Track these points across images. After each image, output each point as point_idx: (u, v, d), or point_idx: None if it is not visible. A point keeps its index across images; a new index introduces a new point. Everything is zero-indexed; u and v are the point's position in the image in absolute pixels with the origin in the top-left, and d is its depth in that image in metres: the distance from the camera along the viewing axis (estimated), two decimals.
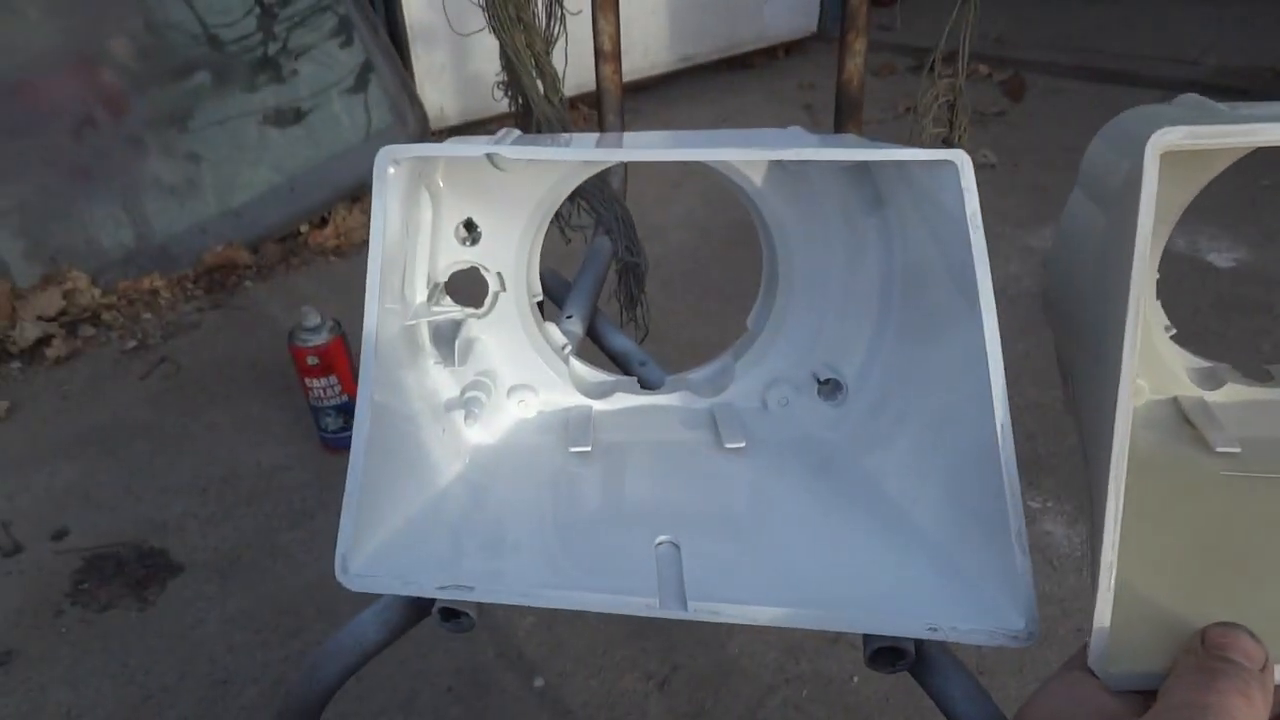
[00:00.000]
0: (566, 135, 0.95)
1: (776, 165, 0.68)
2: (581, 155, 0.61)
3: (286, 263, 2.69)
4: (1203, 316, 2.20)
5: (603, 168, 0.71)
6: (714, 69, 4.29)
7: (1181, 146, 0.40)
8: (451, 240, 0.70)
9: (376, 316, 0.58)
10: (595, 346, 0.95)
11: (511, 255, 0.71)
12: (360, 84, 2.92)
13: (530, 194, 0.69)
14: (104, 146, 2.51)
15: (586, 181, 1.06)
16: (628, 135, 0.82)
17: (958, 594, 0.53)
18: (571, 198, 1.07)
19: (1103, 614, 0.43)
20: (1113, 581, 0.43)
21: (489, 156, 0.65)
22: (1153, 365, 0.65)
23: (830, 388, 0.71)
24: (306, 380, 1.82)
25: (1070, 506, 1.62)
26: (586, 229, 1.09)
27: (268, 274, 2.64)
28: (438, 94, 3.29)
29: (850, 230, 0.68)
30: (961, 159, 0.54)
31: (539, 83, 1.04)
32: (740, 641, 1.38)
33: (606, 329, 0.92)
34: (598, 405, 0.74)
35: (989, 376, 0.52)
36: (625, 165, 1.11)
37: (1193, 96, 0.61)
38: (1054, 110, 3.62)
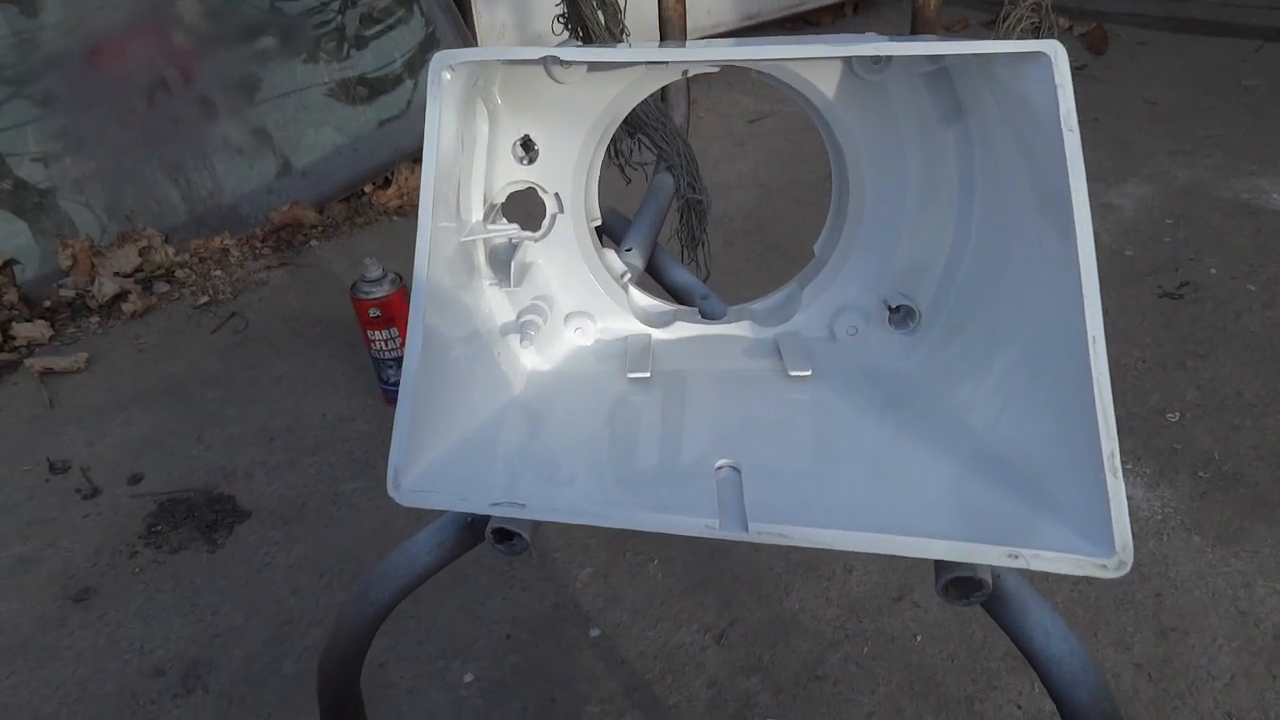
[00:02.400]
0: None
1: (850, 76, 0.64)
2: (640, 56, 0.58)
3: (351, 222, 2.72)
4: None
5: (664, 82, 0.68)
6: (779, 26, 4.18)
7: None
8: (509, 158, 0.68)
9: (430, 230, 0.56)
10: (655, 283, 0.92)
11: (569, 175, 0.69)
12: (424, 47, 2.92)
13: (589, 109, 0.67)
14: (175, 109, 2.55)
15: (647, 115, 1.03)
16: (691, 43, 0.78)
17: (1042, 520, 0.49)
18: (632, 133, 1.04)
19: None
20: None
21: (547, 69, 0.63)
22: None
23: (902, 315, 0.67)
24: (369, 333, 1.83)
25: (1150, 469, 1.54)
26: (648, 166, 1.06)
27: (333, 233, 2.67)
28: None
29: (928, 144, 0.64)
30: (1055, 49, 0.49)
31: (599, 13, 1.01)
32: (800, 597, 1.35)
33: (667, 263, 0.89)
34: (657, 334, 0.72)
35: (1081, 288, 0.48)
36: (688, 101, 1.07)
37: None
38: (1138, 63, 3.44)
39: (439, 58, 0.55)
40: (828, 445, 0.60)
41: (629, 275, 0.74)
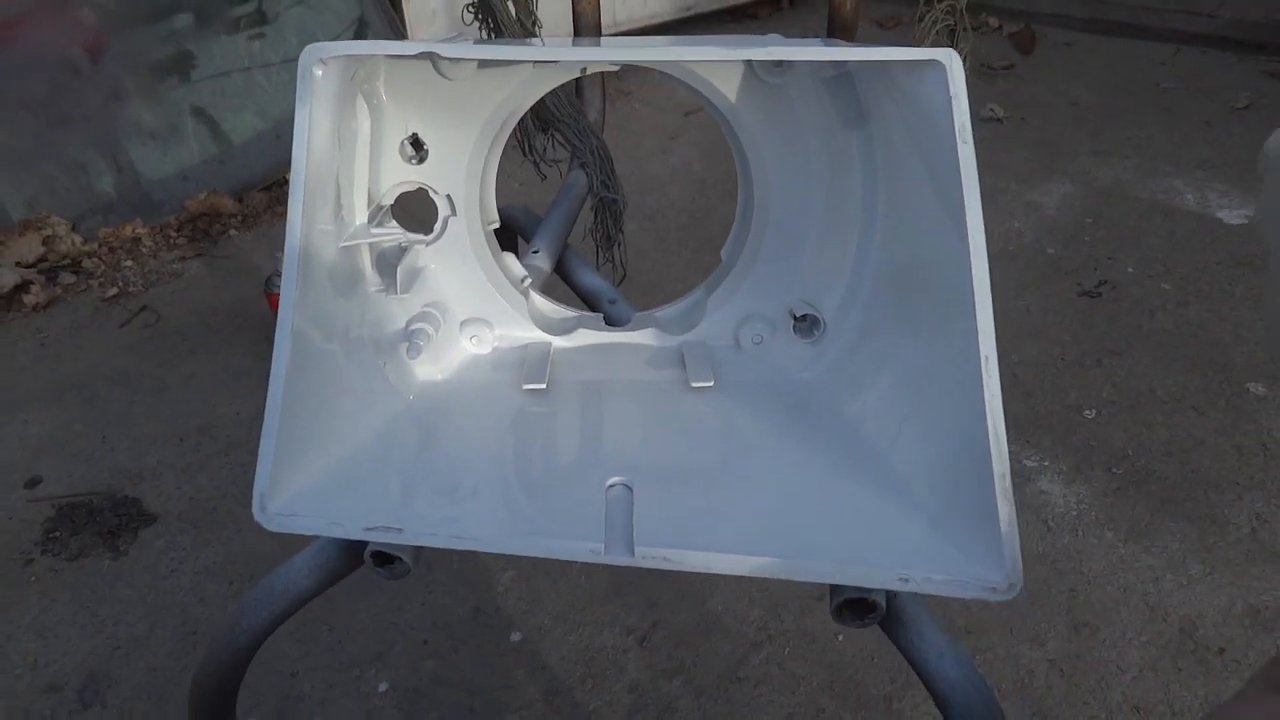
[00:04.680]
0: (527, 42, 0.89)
1: (752, 79, 0.62)
2: (529, 54, 0.55)
3: (272, 211, 2.63)
4: (1210, 273, 2.13)
5: (560, 80, 0.65)
6: (717, 19, 4.17)
7: None
8: (396, 158, 0.65)
9: (300, 231, 0.52)
10: (566, 286, 0.89)
11: (462, 176, 0.66)
12: (356, 31, 2.83)
13: (481, 106, 0.63)
14: (82, 91, 2.43)
15: (560, 111, 1.00)
16: (594, 40, 0.76)
17: (934, 543, 0.48)
18: (545, 129, 1.01)
19: None
20: None
21: (434, 65, 0.60)
22: None
23: (807, 324, 0.66)
24: None
25: (1067, 465, 1.57)
26: (561, 163, 1.03)
27: (253, 222, 2.58)
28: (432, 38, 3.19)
29: (832, 149, 0.62)
30: (950, 59, 0.47)
31: (510, 5, 0.97)
32: (723, 598, 1.34)
33: (576, 265, 0.87)
34: (558, 342, 0.69)
35: (974, 304, 0.47)
36: (604, 98, 1.05)
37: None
38: (1064, 64, 3.51)
39: (309, 51, 0.51)
40: (727, 460, 0.59)
41: (529, 280, 0.71)
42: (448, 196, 0.66)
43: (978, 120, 3.01)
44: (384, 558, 0.53)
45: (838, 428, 0.59)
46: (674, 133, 3.00)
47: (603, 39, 0.82)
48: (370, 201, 0.64)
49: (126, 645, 1.34)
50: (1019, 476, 1.54)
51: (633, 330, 0.70)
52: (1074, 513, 1.48)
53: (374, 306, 0.63)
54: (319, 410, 0.55)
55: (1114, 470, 1.56)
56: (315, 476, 0.54)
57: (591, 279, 0.84)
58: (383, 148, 0.64)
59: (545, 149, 1.01)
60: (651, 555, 0.47)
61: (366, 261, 0.63)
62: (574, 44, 0.54)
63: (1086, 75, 3.35)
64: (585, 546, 0.48)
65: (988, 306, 0.47)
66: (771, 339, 0.67)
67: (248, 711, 1.22)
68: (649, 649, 1.27)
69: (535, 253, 0.84)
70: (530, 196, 0.91)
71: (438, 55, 0.52)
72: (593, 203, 1.00)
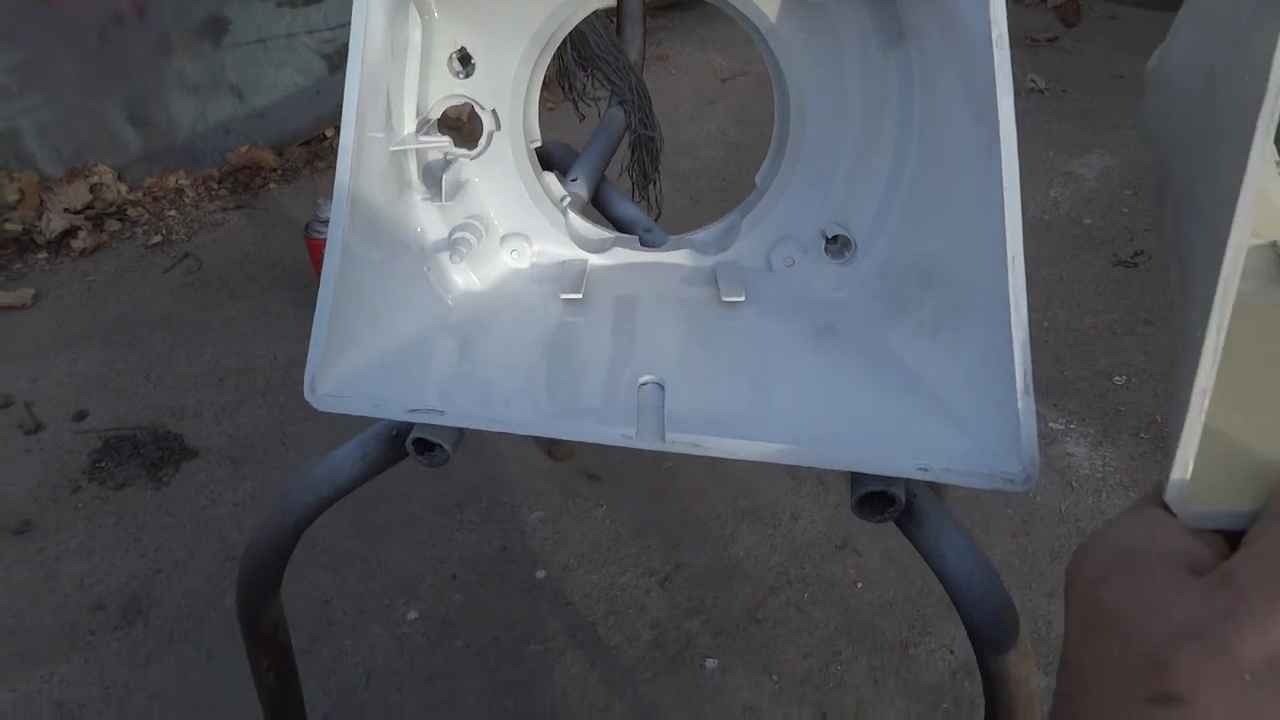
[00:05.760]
0: None
1: None
2: None
3: (311, 166, 2.67)
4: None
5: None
6: None
7: None
8: (444, 71, 0.67)
9: (354, 135, 0.54)
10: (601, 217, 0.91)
11: (508, 92, 0.67)
12: None
13: (528, 22, 0.65)
14: (129, 44, 2.47)
15: (601, 48, 1.01)
16: None
17: (954, 436, 0.50)
18: (585, 67, 1.03)
19: (1188, 446, 0.39)
20: (1205, 406, 0.39)
21: None
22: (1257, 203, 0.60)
23: (839, 245, 0.67)
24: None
25: (1094, 429, 1.57)
26: (600, 101, 1.05)
27: (292, 177, 2.62)
28: None
29: (869, 69, 0.63)
30: None
31: None
32: (745, 543, 1.36)
33: (613, 196, 0.88)
34: (595, 259, 0.71)
35: (1003, 206, 0.48)
36: (644, 37, 1.06)
37: None
38: (1109, 36, 3.45)
39: None
40: (755, 368, 0.60)
41: (568, 200, 0.73)
42: (493, 112, 0.68)
43: (1021, 91, 2.97)
44: (425, 445, 0.56)
45: (866, 342, 0.61)
46: (711, 98, 2.99)
47: None
48: (419, 113, 0.66)
49: (168, 569, 1.39)
50: (1045, 439, 1.55)
51: (668, 251, 0.72)
52: (1099, 475, 1.48)
53: (420, 214, 0.65)
54: (366, 306, 0.57)
55: (1141, 435, 1.56)
56: (361, 366, 0.56)
57: (627, 208, 0.86)
58: (431, 60, 0.66)
59: (585, 87, 1.03)
60: (681, 441, 0.49)
61: (414, 170, 0.65)
62: None
63: (1132, 48, 3.28)
64: (618, 431, 0.50)
65: (1016, 208, 0.48)
66: (803, 260, 0.69)
67: None
68: (670, 589, 1.30)
69: (574, 180, 0.85)
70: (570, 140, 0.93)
71: None
72: (630, 140, 1.02)
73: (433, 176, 0.66)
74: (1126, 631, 0.32)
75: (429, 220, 0.66)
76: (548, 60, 0.70)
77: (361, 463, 0.60)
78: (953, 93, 0.56)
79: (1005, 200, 0.48)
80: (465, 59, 0.67)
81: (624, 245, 0.72)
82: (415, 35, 0.62)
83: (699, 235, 0.74)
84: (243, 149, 2.59)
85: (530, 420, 0.51)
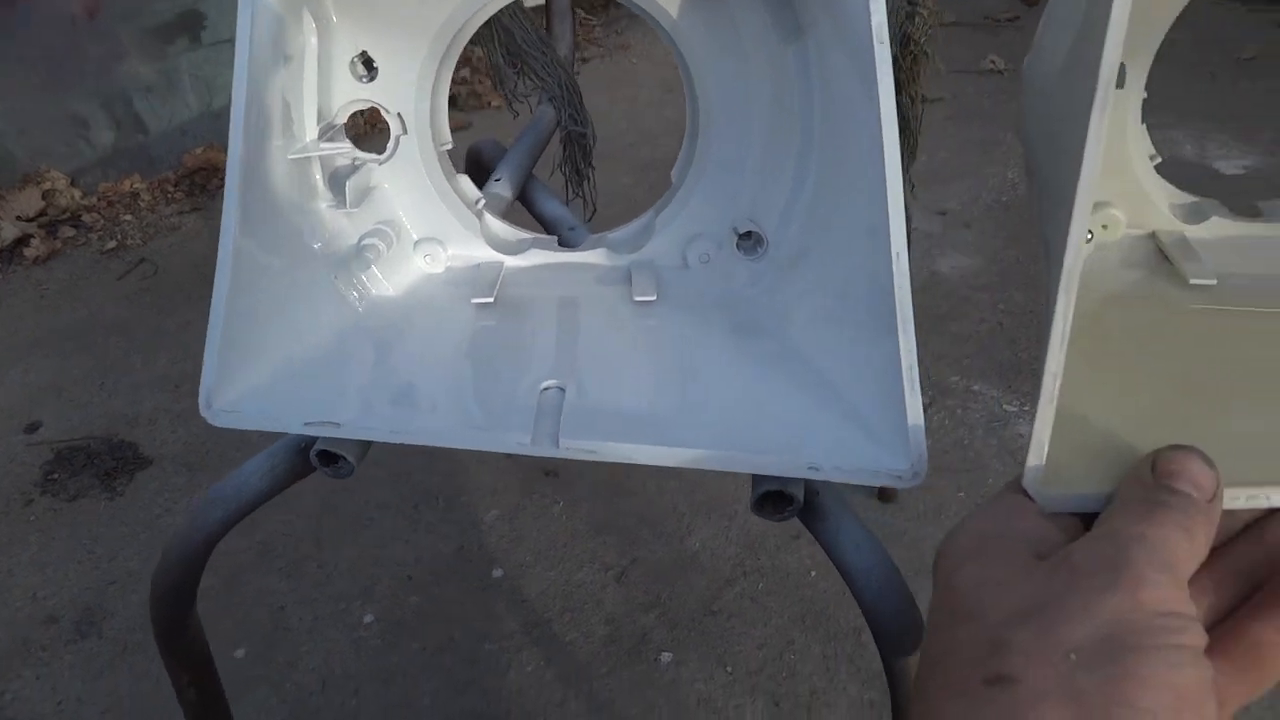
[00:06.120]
0: None
1: None
2: None
3: None
4: None
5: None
6: None
7: None
8: (346, 75, 0.66)
9: (243, 138, 0.54)
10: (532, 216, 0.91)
11: (413, 94, 0.67)
12: None
13: (428, 21, 0.64)
14: (82, 46, 2.44)
15: (529, 45, 1.00)
16: None
17: (848, 435, 0.50)
18: (514, 63, 1.02)
19: (1042, 431, 0.39)
20: (1056, 392, 0.40)
21: None
22: (1132, 197, 0.60)
23: (751, 241, 0.67)
24: None
25: None
26: (532, 99, 1.04)
27: None
28: None
29: (772, 64, 0.63)
30: None
31: None
32: (701, 536, 1.37)
33: (539, 194, 0.88)
34: (511, 261, 0.71)
35: (886, 205, 0.48)
36: (574, 33, 1.05)
37: None
38: None
39: None
40: (661, 369, 0.60)
41: (483, 202, 0.72)
42: (399, 115, 0.67)
43: (978, 72, 2.98)
44: (329, 458, 0.55)
45: (775, 338, 0.61)
46: (671, 86, 2.98)
47: None
48: (321, 119, 0.65)
49: (122, 579, 1.38)
50: (999, 421, 1.56)
51: (584, 251, 0.71)
52: None
53: (326, 222, 0.64)
54: (268, 317, 0.57)
55: None
56: (263, 380, 0.56)
57: (553, 207, 0.86)
58: (332, 65, 0.65)
59: (516, 85, 1.02)
60: (575, 447, 0.49)
61: (319, 177, 0.64)
62: None
63: None
64: (514, 439, 0.50)
65: (899, 205, 0.48)
66: (717, 256, 0.68)
67: (236, 644, 1.26)
68: (626, 584, 1.30)
69: (497, 180, 0.85)
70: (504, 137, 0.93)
71: None
72: (560, 136, 1.01)
73: (339, 182, 0.65)
74: (971, 616, 0.33)
75: (337, 227, 0.65)
76: (454, 61, 0.69)
77: (269, 476, 0.60)
78: (847, 88, 0.56)
79: (889, 195, 0.48)
80: (368, 62, 0.66)
81: (541, 246, 0.72)
82: (313, 40, 0.61)
83: (616, 234, 0.73)
84: (199, 150, 2.56)
85: (430, 430, 0.51)
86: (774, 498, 0.51)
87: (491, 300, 0.65)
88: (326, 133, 0.64)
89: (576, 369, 0.57)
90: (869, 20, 0.48)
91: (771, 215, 0.66)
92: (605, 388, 0.56)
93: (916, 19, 0.95)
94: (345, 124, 0.68)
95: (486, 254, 0.71)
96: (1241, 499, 0.37)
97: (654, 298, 0.65)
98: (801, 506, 0.51)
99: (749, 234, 0.67)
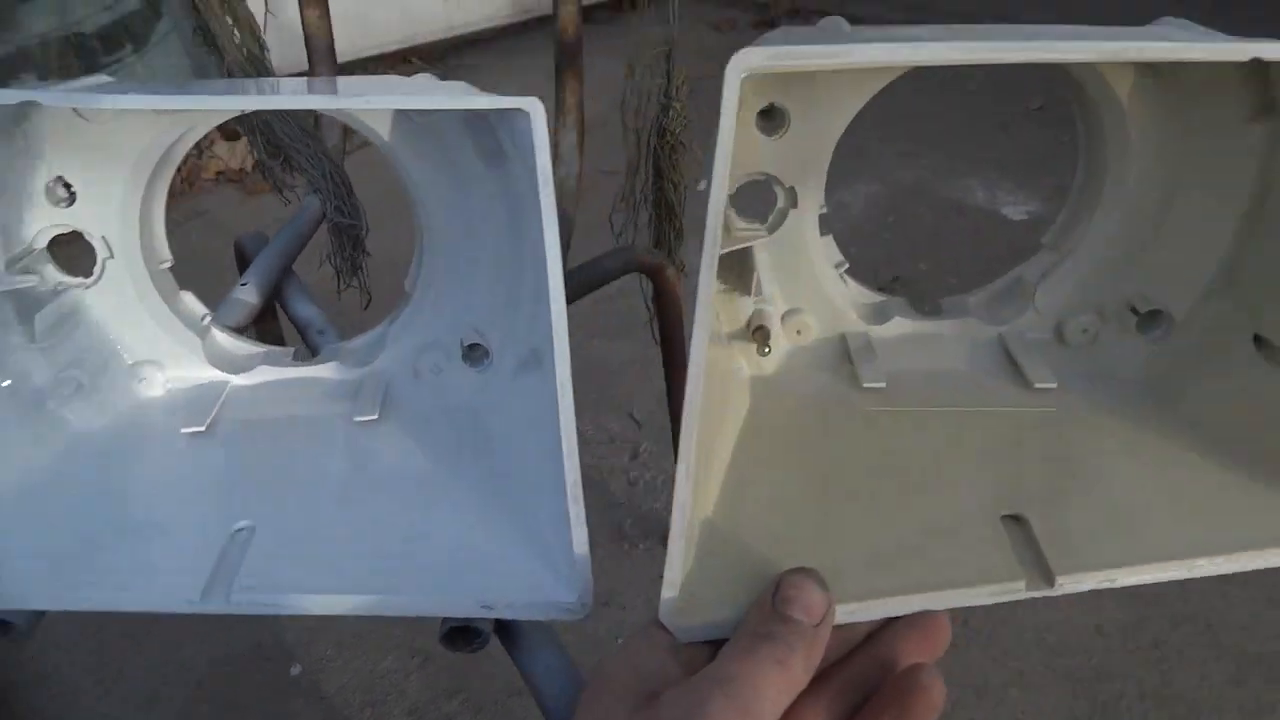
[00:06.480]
0: (216, 82, 0.87)
1: (403, 116, 0.63)
2: (139, 102, 0.54)
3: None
4: (995, 265, 2.29)
5: (222, 119, 0.65)
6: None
7: (765, 69, 0.38)
8: (43, 200, 0.63)
9: None
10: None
11: (116, 217, 0.64)
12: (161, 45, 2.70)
13: (128, 147, 0.62)
14: None
15: (290, 138, 0.99)
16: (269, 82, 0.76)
17: (532, 565, 0.51)
18: (276, 154, 1.00)
19: (673, 564, 0.41)
20: (685, 526, 0.41)
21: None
22: (819, 303, 0.64)
23: (478, 354, 0.68)
24: None
25: None
26: (299, 189, 1.02)
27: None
28: None
29: (485, 185, 0.65)
30: (534, 107, 0.50)
31: (234, 30, 0.96)
32: None
33: (294, 295, 0.86)
34: (237, 380, 0.69)
35: (554, 352, 0.49)
36: (343, 125, 1.04)
37: (838, 19, 0.60)
38: None
39: None
40: (371, 496, 0.59)
41: (208, 318, 0.70)
42: (103, 238, 0.65)
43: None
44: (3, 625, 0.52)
45: (494, 456, 0.62)
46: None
47: (285, 79, 0.82)
48: (18, 245, 0.62)
49: None
50: None
51: (316, 364, 0.71)
52: None
53: (20, 357, 0.61)
54: None
55: None
56: None
57: (305, 309, 0.84)
58: (24, 190, 0.62)
59: (281, 178, 1.00)
60: (248, 602, 0.48)
61: (10, 310, 0.61)
62: (198, 94, 0.54)
63: (896, 83, 3.53)
64: (181, 598, 0.48)
65: (563, 326, 0.49)
66: (448, 367, 0.69)
67: None
68: (429, 671, 1.27)
69: (243, 285, 0.83)
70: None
71: (35, 103, 0.51)
72: (328, 228, 1.00)
73: (30, 315, 0.62)
74: None
75: (29, 362, 0.62)
76: (167, 179, 0.67)
77: None
78: (535, 209, 0.58)
79: (555, 346, 0.49)
80: (67, 185, 0.63)
81: (271, 361, 0.70)
82: None
83: (352, 344, 0.73)
84: None
85: (76, 597, 0.49)
86: (462, 632, 0.51)
87: (203, 429, 0.63)
88: (16, 262, 0.61)
89: (279, 505, 0.56)
90: (534, 160, 0.50)
91: (495, 326, 0.67)
92: (304, 526, 0.55)
93: (671, 112, 1.00)
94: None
95: (209, 374, 0.69)
96: (853, 613, 0.40)
97: (375, 416, 0.65)
98: (487, 639, 0.51)
99: (474, 346, 0.68)
